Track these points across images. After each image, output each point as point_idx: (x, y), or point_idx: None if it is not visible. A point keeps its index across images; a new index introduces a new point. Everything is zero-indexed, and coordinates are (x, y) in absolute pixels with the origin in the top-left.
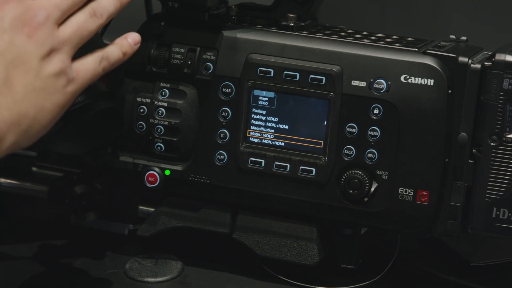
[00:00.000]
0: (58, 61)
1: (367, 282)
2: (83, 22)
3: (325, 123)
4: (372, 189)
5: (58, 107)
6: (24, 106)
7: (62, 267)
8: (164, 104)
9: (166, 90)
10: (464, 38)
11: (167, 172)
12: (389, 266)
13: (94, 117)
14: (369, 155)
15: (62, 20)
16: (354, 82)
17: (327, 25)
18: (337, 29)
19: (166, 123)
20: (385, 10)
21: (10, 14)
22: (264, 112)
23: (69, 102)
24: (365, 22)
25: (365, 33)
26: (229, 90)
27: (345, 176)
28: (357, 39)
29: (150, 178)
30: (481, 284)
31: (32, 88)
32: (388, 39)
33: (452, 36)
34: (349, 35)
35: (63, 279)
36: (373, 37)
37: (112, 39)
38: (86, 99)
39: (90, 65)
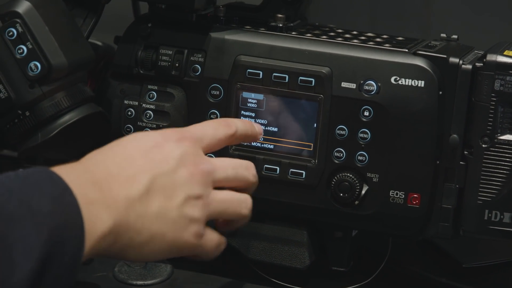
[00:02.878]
0: (199, 210)
1: (359, 284)
2: (236, 201)
3: (315, 126)
4: (363, 192)
5: (174, 245)
6: (150, 221)
7: None
8: (152, 106)
9: (154, 93)
10: (455, 36)
11: None
12: (381, 268)
13: (81, 121)
14: (360, 158)
15: (218, 185)
16: (344, 84)
17: (316, 24)
18: (327, 29)
19: (154, 126)
20: (375, 8)
21: (185, 149)
22: (253, 114)
23: (186, 251)
24: (356, 21)
25: (354, 32)
26: (218, 92)
27: (335, 179)
28: (346, 39)
29: None
30: (474, 286)
31: (165, 213)
32: (378, 39)
33: (443, 35)
34: (338, 35)
35: None
36: (363, 37)
37: (100, 38)
38: (73, 105)
39: (215, 239)
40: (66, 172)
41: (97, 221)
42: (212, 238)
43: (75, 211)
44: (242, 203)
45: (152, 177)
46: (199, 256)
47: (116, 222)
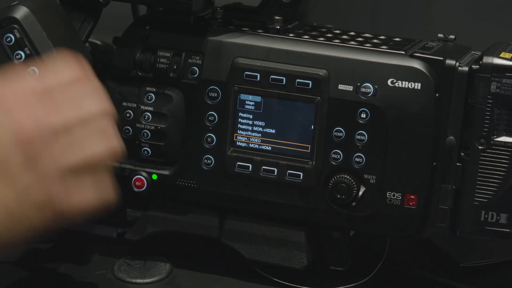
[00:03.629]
0: (42, 188)
1: (356, 284)
2: (86, 141)
3: (312, 127)
4: (360, 193)
5: (38, 229)
6: None
7: (50, 269)
8: (150, 108)
9: (152, 95)
10: (452, 37)
11: (154, 177)
12: (378, 267)
13: None
14: (357, 159)
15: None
16: (341, 86)
17: (314, 24)
18: (324, 30)
19: (153, 127)
20: (376, 8)
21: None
22: (250, 116)
23: (58, 219)
24: (356, 20)
25: (352, 33)
26: (215, 95)
27: (332, 181)
28: (344, 40)
29: (137, 183)
30: (471, 285)
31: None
32: (375, 40)
33: (440, 35)
34: (336, 36)
35: (51, 281)
36: (360, 38)
37: (99, 39)
38: None
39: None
40: None
41: None
42: (81, 195)
43: None
44: (93, 137)
45: None
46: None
47: None
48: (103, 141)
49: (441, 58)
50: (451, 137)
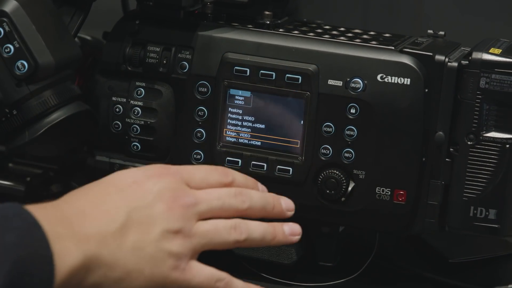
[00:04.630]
0: (179, 245)
1: (346, 279)
2: (221, 229)
3: (302, 123)
4: (349, 188)
5: (153, 280)
6: (124, 257)
7: None
8: (140, 103)
9: (142, 89)
10: (442, 33)
11: None
12: (368, 263)
13: (69, 120)
14: (346, 155)
15: (204, 218)
16: (330, 81)
17: (304, 20)
18: (314, 25)
19: (142, 122)
20: (367, 3)
21: (165, 184)
22: (240, 111)
23: (170, 286)
24: (347, 15)
25: (342, 29)
26: (205, 89)
27: (322, 176)
28: (333, 36)
29: None
30: (460, 281)
31: (141, 248)
32: (365, 36)
33: (430, 31)
34: (325, 31)
35: None
36: (350, 34)
37: (89, 33)
38: (60, 103)
39: (206, 272)
40: (35, 209)
41: (66, 255)
42: (201, 272)
43: (44, 244)
44: (229, 230)
45: (127, 212)
46: None
47: (86, 257)
48: (232, 234)
49: (431, 54)
50: (440, 133)
